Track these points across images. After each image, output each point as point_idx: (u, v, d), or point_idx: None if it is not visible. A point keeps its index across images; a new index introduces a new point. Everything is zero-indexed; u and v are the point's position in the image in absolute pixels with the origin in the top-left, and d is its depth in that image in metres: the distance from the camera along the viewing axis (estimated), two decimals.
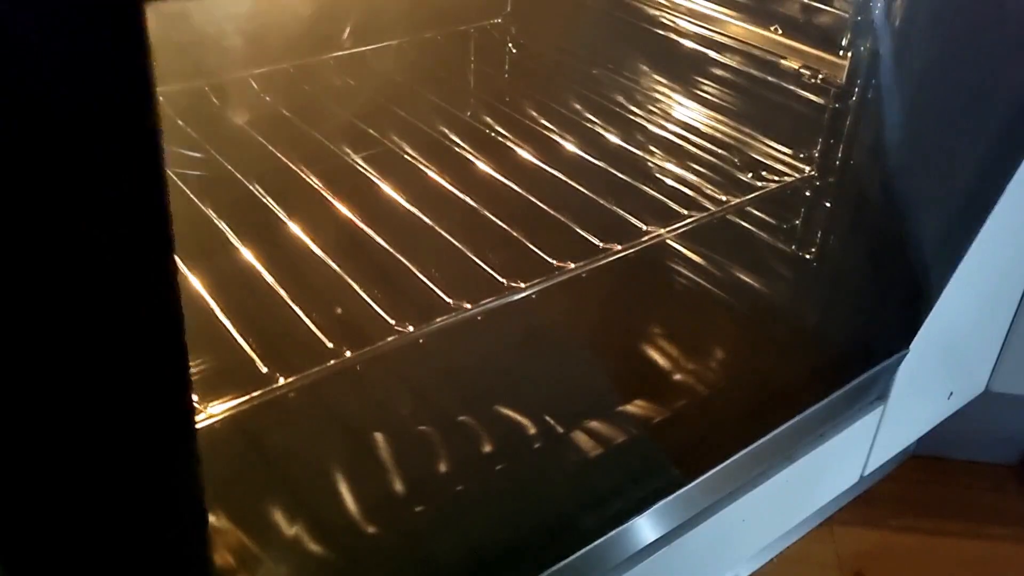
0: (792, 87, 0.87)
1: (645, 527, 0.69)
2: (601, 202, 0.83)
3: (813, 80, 0.83)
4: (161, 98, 0.93)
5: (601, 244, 0.77)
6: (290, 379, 0.62)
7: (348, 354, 0.65)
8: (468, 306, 0.70)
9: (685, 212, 0.82)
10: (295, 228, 0.77)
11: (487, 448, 0.76)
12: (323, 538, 0.69)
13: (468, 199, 0.84)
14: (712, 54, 0.94)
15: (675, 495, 0.69)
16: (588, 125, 0.99)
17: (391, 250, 0.76)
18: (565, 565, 0.64)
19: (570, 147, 0.93)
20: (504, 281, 0.72)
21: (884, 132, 0.79)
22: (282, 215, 0.79)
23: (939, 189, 0.81)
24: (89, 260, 0.29)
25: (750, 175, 0.90)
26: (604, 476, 0.72)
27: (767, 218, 0.92)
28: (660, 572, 0.73)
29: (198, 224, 0.79)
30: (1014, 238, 0.88)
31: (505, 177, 0.87)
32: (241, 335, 0.66)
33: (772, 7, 0.86)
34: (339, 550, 0.68)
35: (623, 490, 0.71)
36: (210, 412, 0.59)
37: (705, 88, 0.97)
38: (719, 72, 0.95)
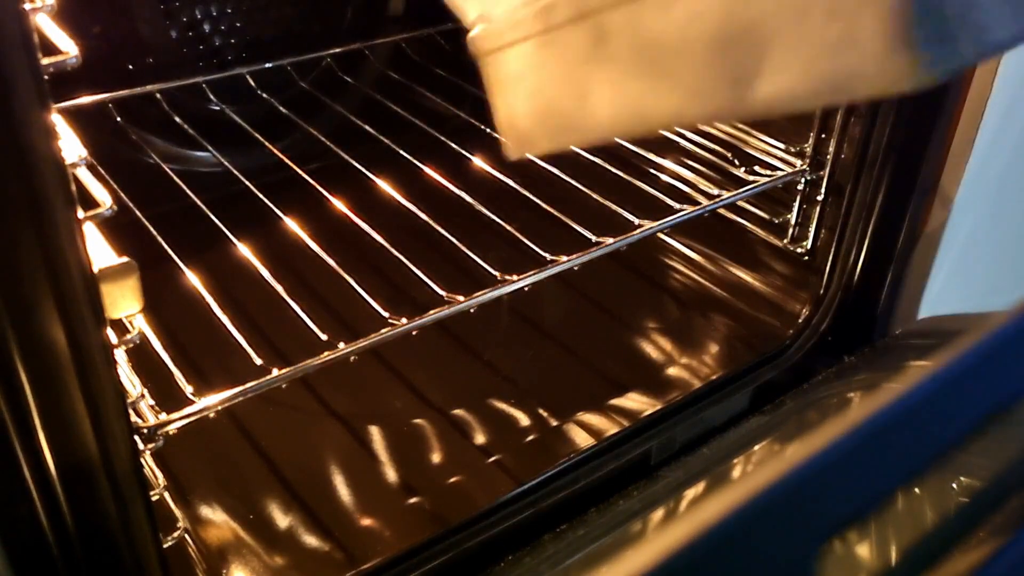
0: None
1: None
2: (595, 197, 0.84)
3: None
4: (158, 95, 0.93)
5: (594, 238, 0.77)
6: (284, 371, 0.63)
7: (342, 346, 0.65)
8: (461, 299, 0.70)
9: (677, 206, 0.82)
10: (291, 223, 0.77)
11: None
12: (316, 528, 0.70)
13: (463, 194, 0.84)
14: None
15: None
16: None
17: (386, 244, 0.76)
18: None
19: None
20: (497, 274, 0.73)
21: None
22: (277, 210, 0.80)
23: None
24: None
25: (743, 170, 0.91)
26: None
27: (760, 212, 0.93)
28: None
29: (195, 218, 0.79)
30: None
31: (500, 172, 0.88)
32: (236, 328, 0.66)
33: None
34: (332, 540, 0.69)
35: None
36: (205, 404, 0.59)
37: None
38: None
